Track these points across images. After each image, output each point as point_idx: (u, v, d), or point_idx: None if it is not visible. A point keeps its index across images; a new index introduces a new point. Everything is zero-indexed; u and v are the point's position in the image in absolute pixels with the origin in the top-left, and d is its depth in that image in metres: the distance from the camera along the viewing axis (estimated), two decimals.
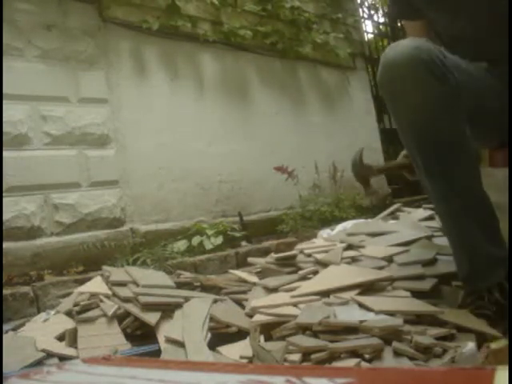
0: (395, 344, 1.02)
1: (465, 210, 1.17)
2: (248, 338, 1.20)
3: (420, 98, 1.13)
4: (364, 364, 0.98)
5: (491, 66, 1.37)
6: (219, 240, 2.37)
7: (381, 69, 1.15)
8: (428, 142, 1.15)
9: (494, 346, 0.98)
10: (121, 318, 1.37)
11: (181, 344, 1.19)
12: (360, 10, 4.37)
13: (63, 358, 1.19)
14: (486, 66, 1.37)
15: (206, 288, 1.63)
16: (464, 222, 1.18)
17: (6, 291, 1.69)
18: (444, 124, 1.14)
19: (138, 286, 1.50)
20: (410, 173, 1.52)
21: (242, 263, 2.16)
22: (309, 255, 1.72)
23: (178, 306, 1.40)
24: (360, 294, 1.30)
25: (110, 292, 1.50)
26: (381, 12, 4.98)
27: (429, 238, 1.73)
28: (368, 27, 4.67)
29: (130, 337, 1.31)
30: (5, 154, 2.03)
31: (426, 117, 1.13)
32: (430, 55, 1.10)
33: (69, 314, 1.43)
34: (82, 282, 1.70)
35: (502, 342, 1.02)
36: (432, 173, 1.18)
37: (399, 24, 4.83)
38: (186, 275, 1.78)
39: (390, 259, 1.54)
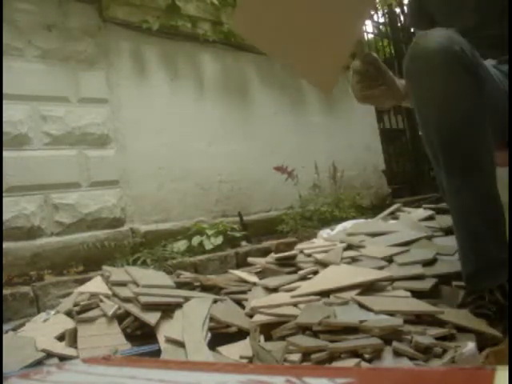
0: (395, 344, 1.02)
1: (477, 209, 1.16)
2: (248, 338, 1.20)
3: (450, 91, 1.10)
4: (364, 364, 0.98)
5: (499, 64, 1.36)
6: (219, 240, 2.37)
7: (410, 57, 1.12)
8: (452, 136, 1.14)
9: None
10: (121, 318, 1.37)
11: (181, 344, 1.19)
12: None
13: (63, 358, 1.19)
14: (494, 63, 1.36)
15: (206, 288, 1.63)
16: (475, 221, 1.17)
17: (5, 291, 1.69)
18: (471, 119, 1.13)
19: (138, 286, 1.50)
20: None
21: (242, 263, 2.15)
22: (309, 255, 1.72)
23: (178, 306, 1.40)
24: (360, 293, 1.30)
25: (110, 292, 1.50)
26: (381, 12, 4.98)
27: (429, 237, 1.73)
28: (368, 27, 4.67)
29: (129, 337, 1.30)
30: (5, 154, 2.03)
31: (454, 111, 1.12)
32: (462, 46, 1.09)
33: (69, 314, 1.43)
34: (82, 282, 1.70)
35: (503, 343, 1.02)
36: (451, 167, 1.16)
37: (399, 24, 4.83)
38: (186, 275, 1.78)
39: (389, 259, 1.54)
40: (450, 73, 1.09)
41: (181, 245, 2.32)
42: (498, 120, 1.28)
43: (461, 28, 1.30)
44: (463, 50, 1.08)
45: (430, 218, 1.99)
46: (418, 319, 1.14)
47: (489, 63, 1.34)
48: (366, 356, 0.99)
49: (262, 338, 1.19)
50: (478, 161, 1.15)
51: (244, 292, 1.56)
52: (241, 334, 1.25)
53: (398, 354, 1.00)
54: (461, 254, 1.24)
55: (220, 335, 1.26)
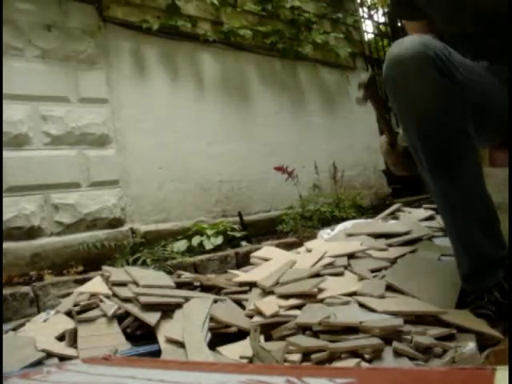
0: (395, 344, 1.01)
1: (465, 209, 1.17)
2: (248, 338, 1.20)
3: (425, 95, 1.12)
4: (364, 364, 0.98)
5: (492, 65, 1.37)
6: (219, 240, 2.37)
7: (386, 65, 1.14)
8: (432, 139, 1.15)
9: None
10: (121, 318, 1.36)
11: (181, 344, 1.19)
12: (360, 9, 4.37)
13: (63, 358, 1.19)
14: (486, 64, 1.37)
15: (205, 288, 1.63)
16: (464, 221, 1.18)
17: (5, 291, 1.69)
18: (448, 121, 1.13)
19: (138, 285, 1.50)
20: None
21: (242, 263, 2.15)
22: None
23: (178, 305, 1.39)
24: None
25: (110, 292, 1.50)
26: (381, 12, 4.98)
27: (429, 238, 1.73)
28: (368, 27, 4.67)
29: (129, 337, 1.30)
30: (5, 154, 2.03)
31: (431, 113, 1.13)
32: (436, 51, 1.09)
33: (69, 314, 1.42)
34: (82, 282, 1.70)
35: (503, 343, 1.02)
36: (434, 169, 1.17)
37: (399, 24, 4.83)
38: (186, 275, 1.77)
39: (390, 260, 1.54)
40: (424, 77, 1.10)
41: (181, 245, 2.32)
42: (494, 119, 1.29)
43: (447, 19, 1.30)
44: (437, 54, 1.10)
45: (430, 218, 1.99)
46: (418, 319, 1.14)
47: (481, 65, 1.35)
48: (366, 356, 0.99)
49: (262, 338, 1.19)
50: (460, 161, 1.15)
51: (244, 292, 1.56)
52: (241, 334, 1.25)
53: (398, 354, 1.00)
54: (455, 255, 1.24)
55: (220, 335, 1.26)
